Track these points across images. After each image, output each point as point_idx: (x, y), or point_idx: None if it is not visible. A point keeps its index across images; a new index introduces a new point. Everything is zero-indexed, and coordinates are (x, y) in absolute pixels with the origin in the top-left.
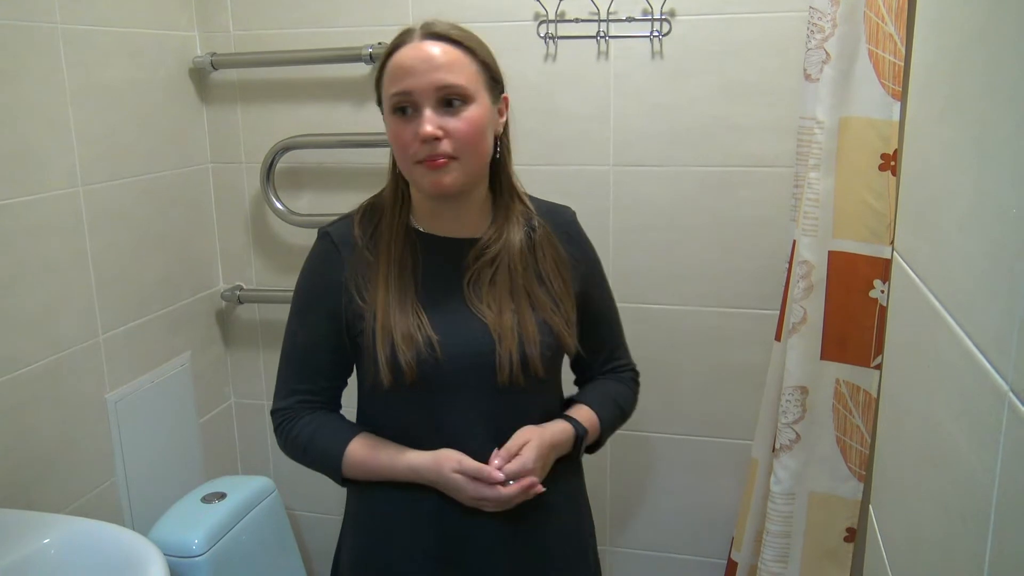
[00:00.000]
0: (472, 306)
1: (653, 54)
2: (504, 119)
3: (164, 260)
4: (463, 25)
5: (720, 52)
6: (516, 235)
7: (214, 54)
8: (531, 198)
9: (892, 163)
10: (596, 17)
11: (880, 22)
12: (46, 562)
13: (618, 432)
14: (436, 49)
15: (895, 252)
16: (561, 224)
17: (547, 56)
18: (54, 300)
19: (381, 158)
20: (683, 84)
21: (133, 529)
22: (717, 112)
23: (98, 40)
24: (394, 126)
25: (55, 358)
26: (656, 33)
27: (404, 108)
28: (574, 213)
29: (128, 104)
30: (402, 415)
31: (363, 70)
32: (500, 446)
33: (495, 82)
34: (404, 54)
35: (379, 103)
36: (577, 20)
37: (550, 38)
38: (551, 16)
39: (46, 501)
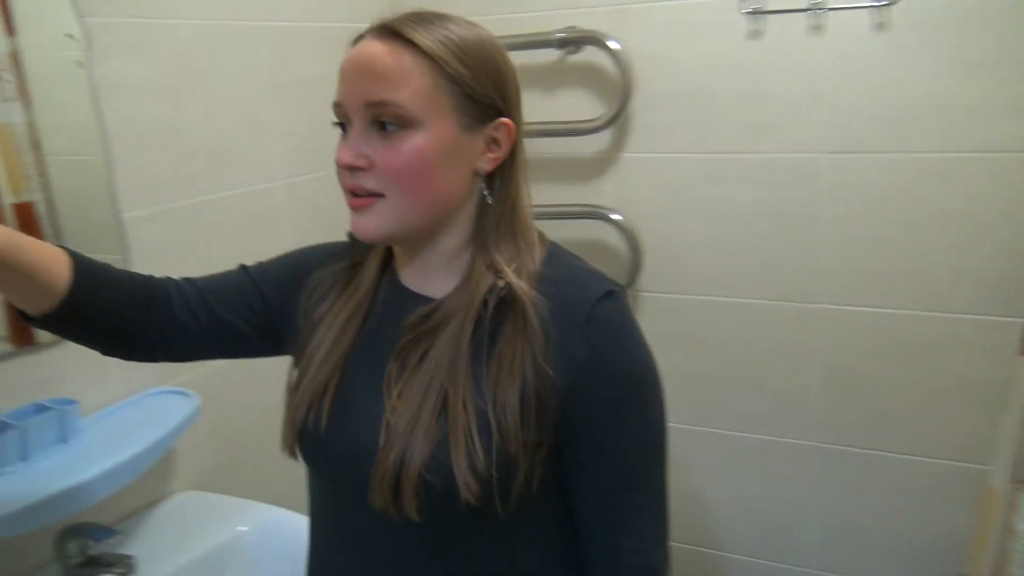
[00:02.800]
0: (386, 386)
1: (876, 26)
2: (499, 155)
3: None
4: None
5: (956, 20)
6: (464, 310)
7: None
8: (556, 261)
9: None
10: None
11: None
12: (241, 549)
13: (814, 446)
14: (379, 51)
15: None
16: (571, 303)
17: (751, 34)
18: None
19: None
20: (911, 60)
21: None
22: (949, 91)
23: (295, 35)
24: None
25: None
26: (880, 2)
27: (341, 124)
28: (606, 293)
29: (324, 98)
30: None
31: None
32: None
33: (475, 103)
34: (347, 55)
35: None
36: None
37: (755, 13)
38: None
39: (243, 488)
